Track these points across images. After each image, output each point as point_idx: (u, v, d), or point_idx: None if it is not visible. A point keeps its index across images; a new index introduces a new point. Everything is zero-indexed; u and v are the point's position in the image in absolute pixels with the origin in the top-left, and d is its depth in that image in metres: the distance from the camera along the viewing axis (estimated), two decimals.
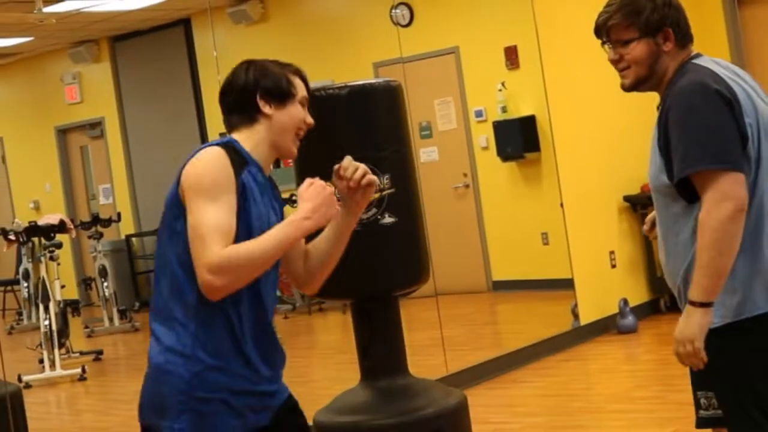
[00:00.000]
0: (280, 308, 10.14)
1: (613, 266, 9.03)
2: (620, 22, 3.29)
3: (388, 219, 5.07)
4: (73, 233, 10.23)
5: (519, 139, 9.88)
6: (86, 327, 11.02)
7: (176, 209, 2.97)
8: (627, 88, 3.38)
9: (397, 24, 9.49)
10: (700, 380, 3.35)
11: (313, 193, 3.00)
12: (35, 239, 9.81)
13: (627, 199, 9.11)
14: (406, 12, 10.34)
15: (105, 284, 10.89)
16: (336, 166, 3.15)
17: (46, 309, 9.34)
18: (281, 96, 3.12)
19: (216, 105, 3.23)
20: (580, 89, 8.84)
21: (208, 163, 2.96)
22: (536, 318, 9.66)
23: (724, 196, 3.08)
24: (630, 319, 8.73)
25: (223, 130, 3.21)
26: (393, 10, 9.57)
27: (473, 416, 5.42)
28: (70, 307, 10.24)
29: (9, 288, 11.36)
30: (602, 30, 3.35)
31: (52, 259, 9.71)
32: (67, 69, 11.98)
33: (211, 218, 2.88)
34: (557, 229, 8.85)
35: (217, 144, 3.02)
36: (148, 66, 11.82)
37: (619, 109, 8.22)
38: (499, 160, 10.14)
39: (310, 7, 11.36)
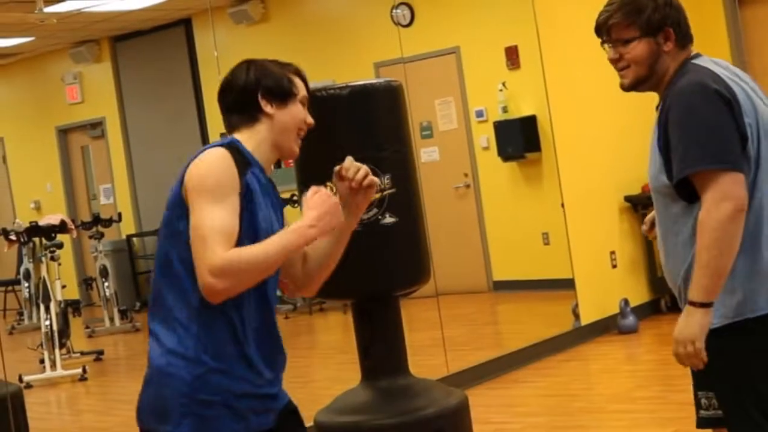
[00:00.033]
0: (281, 308, 10.14)
1: (614, 266, 9.03)
2: (621, 20, 3.29)
3: (388, 219, 5.07)
4: (74, 233, 10.22)
5: (520, 139, 9.88)
6: (87, 327, 11.01)
7: (179, 209, 2.95)
8: (626, 88, 3.37)
9: (397, 24, 9.49)
10: (701, 380, 3.35)
11: (318, 201, 2.97)
12: (36, 239, 9.81)
13: (628, 199, 9.11)
14: (407, 12, 10.35)
15: (106, 284, 10.89)
16: (337, 168, 3.14)
17: (47, 309, 9.34)
18: (283, 95, 3.11)
19: (217, 105, 3.21)
20: (580, 89, 8.84)
21: (212, 164, 2.94)
22: (537, 318, 9.66)
23: (723, 196, 3.08)
24: (631, 319, 8.73)
25: (224, 130, 3.20)
26: (394, 10, 9.57)
27: (474, 416, 5.42)
28: (70, 307, 10.23)
29: (10, 288, 11.36)
30: (603, 29, 3.34)
31: (53, 259, 9.71)
32: (68, 69, 11.98)
33: (215, 219, 2.86)
34: (558, 229, 8.85)
35: (220, 145, 3.00)
36: (148, 66, 11.82)
37: (619, 109, 8.22)
38: (500, 160, 10.14)
39: (311, 7, 11.37)
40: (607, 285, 8.93)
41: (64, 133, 12.24)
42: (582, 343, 8.58)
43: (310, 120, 3.17)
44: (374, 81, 5.67)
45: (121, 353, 10.76)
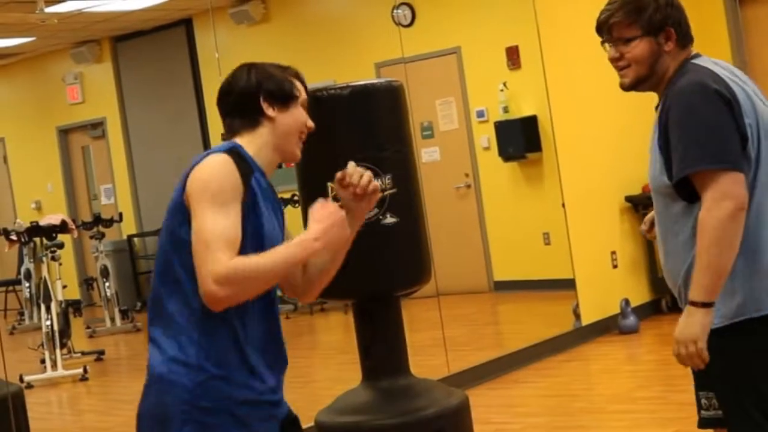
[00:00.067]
0: (282, 308, 10.14)
1: (615, 266, 9.03)
2: (623, 19, 3.29)
3: (389, 219, 5.07)
4: (75, 233, 10.23)
5: (520, 139, 9.88)
6: (88, 327, 11.02)
7: (180, 215, 2.92)
8: (626, 88, 3.37)
9: (398, 24, 9.50)
10: (701, 381, 3.35)
11: (324, 214, 2.94)
12: (37, 239, 9.81)
13: (628, 199, 9.11)
14: (408, 12, 10.35)
15: (107, 284, 10.89)
16: (339, 174, 3.11)
17: (48, 309, 9.34)
18: (284, 98, 3.08)
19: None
20: (581, 89, 8.84)
21: (215, 169, 2.91)
22: (538, 318, 9.66)
23: (724, 196, 3.08)
24: (631, 320, 8.73)
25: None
26: (395, 11, 9.57)
27: (475, 416, 5.42)
28: (71, 308, 10.23)
29: (11, 288, 11.37)
30: (604, 28, 3.34)
31: (53, 259, 9.71)
32: (68, 69, 11.99)
33: (218, 226, 2.83)
34: (559, 229, 8.85)
35: (223, 150, 2.97)
36: (149, 66, 11.82)
37: (620, 109, 8.22)
38: (501, 160, 10.14)
39: (312, 8, 11.37)
40: (608, 285, 8.92)
41: (64, 133, 12.25)
42: (583, 343, 8.58)
43: (311, 123, 3.15)
44: (375, 81, 5.67)
45: (122, 353, 10.77)
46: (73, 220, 10.31)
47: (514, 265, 10.38)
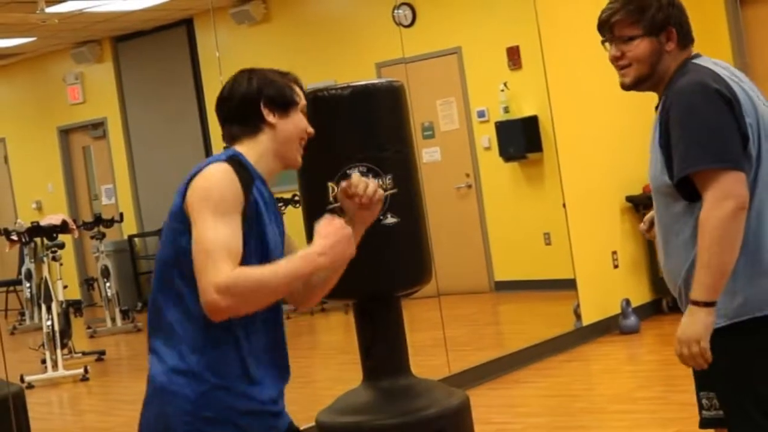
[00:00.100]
0: (283, 308, 10.13)
1: (616, 266, 9.03)
2: (625, 18, 3.29)
3: (390, 219, 5.07)
4: (76, 233, 10.23)
5: (521, 139, 9.88)
6: (89, 327, 11.02)
7: (180, 225, 2.88)
8: (627, 87, 3.37)
9: (399, 24, 9.50)
10: (702, 381, 3.35)
11: (331, 230, 2.89)
12: (38, 239, 9.81)
13: (629, 199, 9.11)
14: (409, 12, 10.35)
15: (107, 284, 10.90)
16: (344, 184, 3.08)
17: (49, 309, 9.34)
18: (285, 104, 3.05)
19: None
20: (582, 89, 8.84)
21: (215, 178, 2.87)
22: (538, 318, 9.66)
23: (725, 195, 3.08)
24: (632, 320, 8.73)
25: None
26: (395, 11, 9.57)
27: (475, 416, 5.42)
28: (72, 308, 10.23)
29: (11, 288, 11.37)
30: (606, 26, 3.34)
31: (54, 259, 9.71)
32: (69, 69, 11.99)
33: (219, 235, 2.79)
34: (559, 229, 8.85)
35: (223, 159, 2.94)
36: (150, 66, 11.82)
37: (621, 109, 8.22)
38: (502, 161, 10.14)
39: (313, 8, 11.37)
40: (609, 285, 8.92)
41: (65, 133, 12.25)
42: (583, 343, 8.57)
43: (311, 129, 3.12)
44: (376, 81, 5.67)
45: (122, 353, 10.77)
46: (74, 221, 10.30)
47: (515, 265, 10.38)
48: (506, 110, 10.04)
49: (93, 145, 12.22)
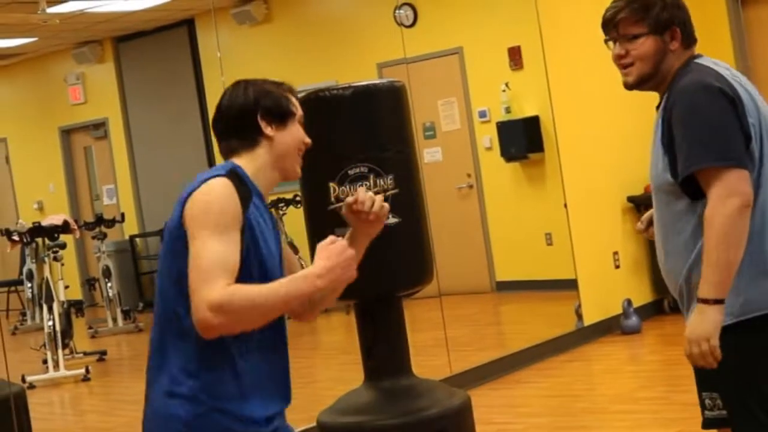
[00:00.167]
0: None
1: (617, 267, 9.03)
2: (630, 16, 3.30)
3: (391, 219, 5.06)
4: (77, 234, 10.23)
5: (523, 139, 9.88)
6: (90, 327, 11.02)
7: (179, 242, 2.82)
8: (630, 86, 3.37)
9: (400, 24, 9.49)
10: (705, 381, 3.34)
11: (333, 252, 2.81)
12: (39, 240, 9.81)
13: (631, 199, 9.10)
14: (410, 12, 10.35)
15: (109, 285, 10.90)
16: (350, 200, 3.04)
17: (50, 309, 9.34)
18: (282, 115, 3.00)
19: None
20: (583, 90, 8.84)
21: (215, 193, 2.82)
22: (540, 318, 9.66)
23: (730, 192, 3.09)
24: (634, 320, 8.73)
25: None
26: (397, 11, 9.57)
27: (477, 417, 5.42)
28: (73, 308, 10.23)
29: (13, 288, 11.37)
30: (610, 24, 3.34)
31: (55, 259, 9.72)
32: (70, 69, 12.00)
33: (216, 252, 2.74)
34: (561, 229, 8.85)
35: (223, 174, 2.88)
36: (151, 66, 11.83)
37: (622, 109, 8.22)
38: (503, 161, 10.14)
39: (314, 8, 11.37)
40: (610, 285, 8.92)
41: (67, 133, 12.25)
42: (585, 343, 8.57)
43: (308, 140, 3.07)
44: (377, 81, 5.68)
45: (124, 353, 10.77)
46: (75, 221, 10.31)
47: (517, 265, 10.38)
48: (507, 110, 10.04)
49: (94, 146, 12.22)
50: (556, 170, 8.86)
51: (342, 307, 9.85)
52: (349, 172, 5.03)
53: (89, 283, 11.34)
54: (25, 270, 10.64)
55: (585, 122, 8.88)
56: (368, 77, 9.40)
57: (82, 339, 10.34)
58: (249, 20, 10.71)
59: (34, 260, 10.15)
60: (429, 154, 10.55)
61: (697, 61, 3.32)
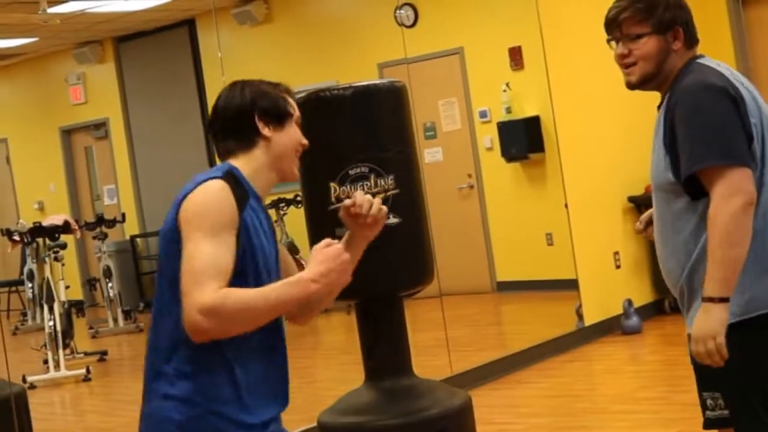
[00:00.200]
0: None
1: (618, 267, 9.03)
2: (633, 15, 3.30)
3: (392, 220, 5.06)
4: (78, 234, 10.24)
5: (523, 139, 9.88)
6: (91, 327, 11.03)
7: (175, 245, 2.79)
8: (632, 86, 3.38)
9: (401, 24, 9.49)
10: (706, 381, 3.34)
11: (328, 256, 2.77)
12: (40, 240, 9.81)
13: (631, 199, 9.10)
14: (411, 13, 10.35)
15: (109, 285, 10.91)
16: (347, 202, 3.01)
17: (51, 309, 9.34)
18: (279, 116, 2.97)
19: None
20: (584, 90, 8.84)
21: (210, 196, 2.79)
22: (540, 319, 9.66)
23: (733, 191, 3.09)
24: (634, 320, 8.73)
25: None
26: (397, 11, 9.57)
27: (477, 417, 5.42)
28: (74, 308, 10.24)
29: (13, 288, 11.37)
30: (613, 24, 3.35)
31: (56, 259, 9.72)
32: (71, 69, 12.00)
33: (209, 254, 2.71)
34: (562, 229, 8.85)
35: (219, 176, 2.85)
36: (152, 67, 11.83)
37: (623, 109, 8.22)
38: (504, 161, 10.14)
39: (315, 8, 11.37)
40: (611, 285, 8.92)
41: (67, 133, 12.26)
42: (585, 343, 8.57)
43: (305, 141, 3.04)
44: (378, 81, 5.67)
45: (124, 354, 10.77)
46: (76, 221, 10.31)
47: (517, 265, 10.38)
48: (508, 110, 10.04)
49: (95, 146, 12.22)
50: (557, 170, 8.86)
51: (343, 307, 9.85)
52: (350, 172, 5.03)
53: (90, 283, 11.34)
54: (25, 270, 10.64)
55: (586, 122, 8.88)
56: (369, 77, 9.40)
57: (82, 339, 10.34)
58: (250, 20, 10.71)
59: (34, 260, 10.15)
60: (429, 155, 10.55)
61: (699, 61, 3.33)
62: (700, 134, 3.14)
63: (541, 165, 9.85)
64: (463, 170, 10.58)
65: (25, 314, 11.04)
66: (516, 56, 9.97)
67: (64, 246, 9.86)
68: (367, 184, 4.99)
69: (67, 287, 9.79)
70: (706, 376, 3.30)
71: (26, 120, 12.31)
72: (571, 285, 8.76)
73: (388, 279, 5.17)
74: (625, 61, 3.34)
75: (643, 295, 9.08)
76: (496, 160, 10.19)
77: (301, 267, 2.94)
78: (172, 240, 2.82)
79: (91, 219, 11.26)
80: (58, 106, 12.43)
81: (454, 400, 5.24)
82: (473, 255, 10.49)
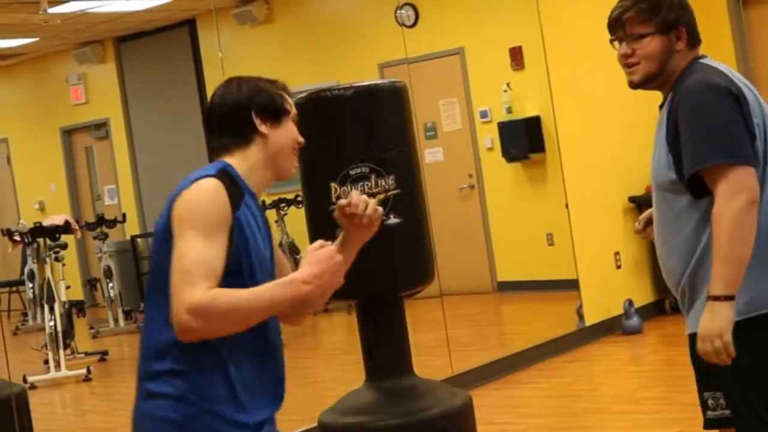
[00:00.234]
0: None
1: (618, 267, 9.02)
2: (637, 15, 3.31)
3: (393, 220, 5.07)
4: (78, 234, 10.24)
5: (524, 139, 9.88)
6: (91, 328, 11.03)
7: (167, 245, 2.76)
8: (635, 85, 3.38)
9: (402, 25, 9.49)
10: (707, 381, 3.35)
11: (321, 257, 2.75)
12: (40, 240, 9.81)
13: (632, 199, 9.10)
14: (411, 13, 10.35)
15: (110, 285, 10.90)
16: (343, 202, 2.99)
17: (51, 310, 9.34)
18: (276, 113, 2.95)
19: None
20: (585, 90, 8.84)
21: (203, 195, 2.76)
22: (541, 319, 9.66)
23: (737, 189, 3.10)
24: (635, 320, 8.73)
25: None
26: (398, 11, 9.57)
27: (478, 417, 5.43)
28: (75, 308, 10.24)
29: (14, 289, 11.37)
30: (617, 24, 3.35)
31: (57, 259, 9.72)
32: (72, 70, 12.00)
33: (200, 253, 2.68)
34: (562, 229, 8.85)
35: (213, 174, 2.82)
36: (153, 67, 11.83)
37: (624, 109, 8.22)
38: (504, 161, 10.14)
39: (316, 8, 11.37)
40: (612, 286, 8.92)
41: (68, 133, 12.25)
42: (586, 343, 8.57)
43: (301, 139, 3.01)
44: (378, 82, 5.68)
45: (125, 354, 10.77)
46: (77, 221, 10.31)
47: (518, 265, 10.38)
48: (509, 111, 10.04)
49: (96, 146, 12.22)
50: (558, 170, 8.86)
51: (343, 307, 9.86)
52: (351, 172, 5.03)
53: (90, 284, 11.34)
54: (26, 270, 10.64)
55: (586, 122, 8.88)
56: (369, 77, 9.40)
57: (83, 339, 10.34)
58: (250, 20, 10.71)
59: (35, 260, 10.15)
60: (430, 155, 10.55)
61: (702, 61, 3.34)
62: (704, 134, 3.15)
63: (542, 165, 9.85)
64: (464, 170, 10.58)
65: (25, 314, 11.03)
66: (516, 56, 9.97)
67: (64, 246, 9.86)
68: (367, 185, 4.99)
69: (67, 287, 9.79)
70: (707, 376, 3.31)
71: (27, 120, 12.31)
72: (572, 285, 8.76)
73: (389, 279, 5.18)
74: (628, 61, 3.34)
75: (643, 295, 9.08)
76: (496, 160, 10.19)
77: (296, 268, 2.93)
78: (163, 240, 2.79)
79: (91, 219, 11.26)
80: (58, 106, 12.43)
81: (455, 400, 5.24)
82: (474, 255, 10.49)
